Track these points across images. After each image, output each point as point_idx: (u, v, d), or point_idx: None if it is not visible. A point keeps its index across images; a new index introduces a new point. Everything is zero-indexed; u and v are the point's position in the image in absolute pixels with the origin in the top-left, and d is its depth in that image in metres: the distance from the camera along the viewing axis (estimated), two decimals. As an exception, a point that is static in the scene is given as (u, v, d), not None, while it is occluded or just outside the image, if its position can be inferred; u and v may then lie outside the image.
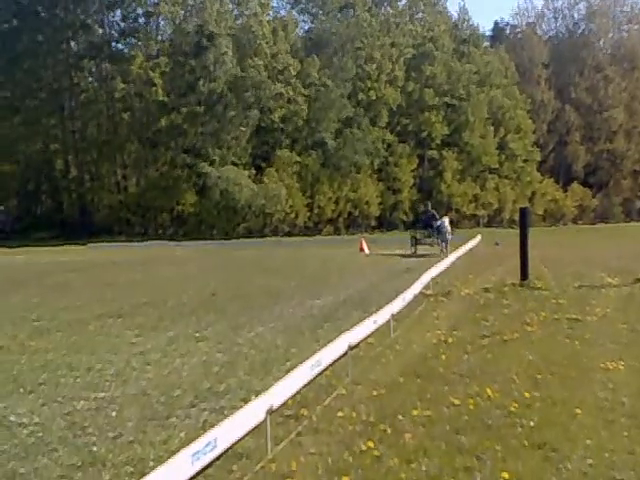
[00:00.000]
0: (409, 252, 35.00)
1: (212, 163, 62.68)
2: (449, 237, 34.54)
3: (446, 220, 35.30)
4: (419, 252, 34.75)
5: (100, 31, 68.44)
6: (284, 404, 8.08)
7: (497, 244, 40.24)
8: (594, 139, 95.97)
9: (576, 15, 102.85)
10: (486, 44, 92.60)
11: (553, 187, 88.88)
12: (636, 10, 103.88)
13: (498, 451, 7.08)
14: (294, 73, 69.02)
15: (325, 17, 74.88)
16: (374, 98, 73.61)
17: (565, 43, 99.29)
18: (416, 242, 35.35)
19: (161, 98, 65.16)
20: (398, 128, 76.85)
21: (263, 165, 67.31)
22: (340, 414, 8.39)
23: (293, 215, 66.76)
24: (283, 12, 77.07)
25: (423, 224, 36.30)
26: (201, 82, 63.62)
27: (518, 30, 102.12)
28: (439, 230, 34.40)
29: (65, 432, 8.06)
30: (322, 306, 17.60)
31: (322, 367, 9.39)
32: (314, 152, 69.57)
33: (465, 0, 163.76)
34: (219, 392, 9.59)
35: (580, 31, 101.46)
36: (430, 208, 38.35)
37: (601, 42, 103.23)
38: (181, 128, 64.77)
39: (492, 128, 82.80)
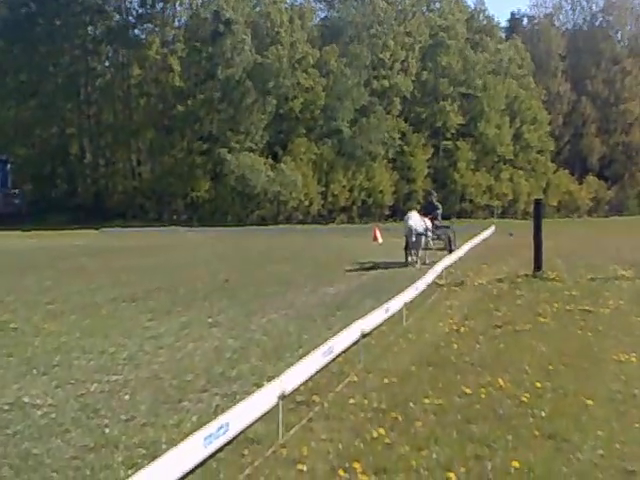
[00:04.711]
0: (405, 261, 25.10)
1: (230, 150, 62.57)
2: (423, 239, 25.04)
3: (413, 215, 25.45)
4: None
5: (117, 16, 68.48)
6: (296, 390, 8.10)
7: (511, 235, 40.14)
8: (610, 131, 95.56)
9: (594, 7, 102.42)
10: (502, 35, 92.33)
11: (568, 179, 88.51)
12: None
13: (509, 441, 7.09)
14: (312, 62, 68.95)
15: (341, 5, 74.64)
16: (388, 86, 73.46)
17: (582, 35, 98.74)
18: (407, 248, 25.00)
19: (178, 84, 65.21)
20: (412, 117, 76.65)
21: (280, 153, 67.21)
22: (352, 401, 8.41)
23: (307, 203, 66.63)
24: (300, 0, 76.91)
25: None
26: (219, 69, 63.55)
27: (535, 21, 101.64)
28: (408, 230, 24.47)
29: (78, 414, 8.12)
30: (335, 294, 17.65)
31: (334, 354, 9.41)
32: (329, 140, 69.47)
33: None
34: (231, 377, 9.63)
35: (598, 23, 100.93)
36: (434, 199, 29.34)
37: (619, 34, 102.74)
38: (197, 114, 64.75)
39: (507, 119, 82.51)
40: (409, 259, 24.80)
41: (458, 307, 15.44)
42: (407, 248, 24.94)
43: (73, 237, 43.69)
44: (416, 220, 24.84)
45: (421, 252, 25.09)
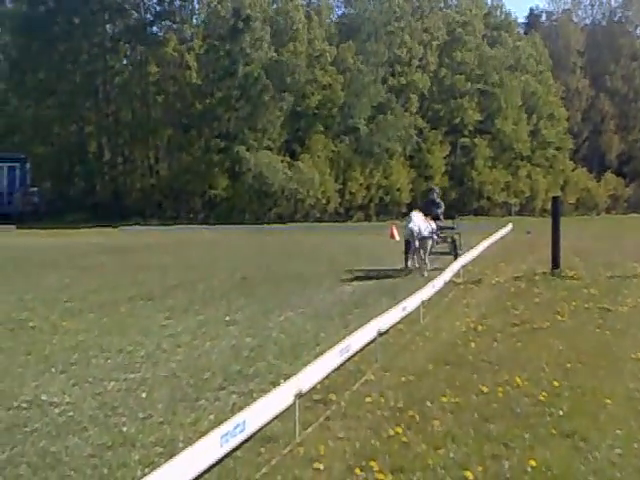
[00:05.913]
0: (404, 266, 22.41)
1: (248, 148, 62.61)
2: (429, 242, 22.11)
3: (415, 216, 21.96)
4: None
5: (135, 14, 68.69)
6: (313, 389, 8.10)
7: (529, 233, 39.97)
8: (629, 128, 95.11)
9: (613, 2, 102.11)
10: (520, 31, 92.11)
11: (586, 176, 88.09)
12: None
13: (526, 439, 7.07)
14: (330, 59, 68.96)
15: (358, 2, 74.58)
16: (405, 83, 73.37)
17: (601, 31, 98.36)
18: (407, 250, 22.24)
19: (195, 81, 65.31)
20: (430, 114, 76.54)
21: (297, 150, 67.19)
22: (368, 400, 8.41)
23: (324, 201, 66.56)
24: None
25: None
26: (237, 66, 63.57)
27: (554, 17, 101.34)
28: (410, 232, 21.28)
29: (96, 412, 8.14)
30: (352, 292, 17.64)
31: (351, 353, 9.40)
32: (347, 138, 69.44)
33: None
34: (248, 375, 9.63)
35: (617, 19, 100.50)
36: (436, 196, 25.29)
37: (638, 30, 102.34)
38: (215, 112, 64.80)
39: (525, 115, 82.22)
40: (409, 264, 22.12)
41: (475, 305, 15.40)
42: (407, 252, 22.19)
43: (91, 235, 43.86)
44: (419, 221, 21.60)
45: (427, 257, 21.98)
